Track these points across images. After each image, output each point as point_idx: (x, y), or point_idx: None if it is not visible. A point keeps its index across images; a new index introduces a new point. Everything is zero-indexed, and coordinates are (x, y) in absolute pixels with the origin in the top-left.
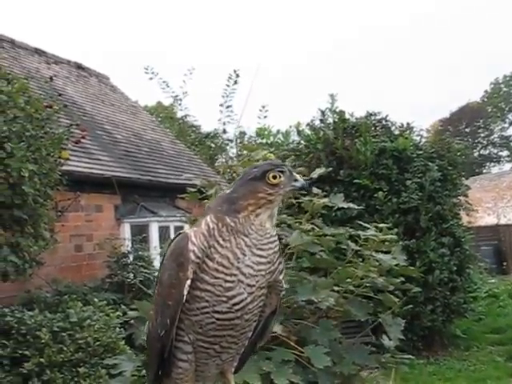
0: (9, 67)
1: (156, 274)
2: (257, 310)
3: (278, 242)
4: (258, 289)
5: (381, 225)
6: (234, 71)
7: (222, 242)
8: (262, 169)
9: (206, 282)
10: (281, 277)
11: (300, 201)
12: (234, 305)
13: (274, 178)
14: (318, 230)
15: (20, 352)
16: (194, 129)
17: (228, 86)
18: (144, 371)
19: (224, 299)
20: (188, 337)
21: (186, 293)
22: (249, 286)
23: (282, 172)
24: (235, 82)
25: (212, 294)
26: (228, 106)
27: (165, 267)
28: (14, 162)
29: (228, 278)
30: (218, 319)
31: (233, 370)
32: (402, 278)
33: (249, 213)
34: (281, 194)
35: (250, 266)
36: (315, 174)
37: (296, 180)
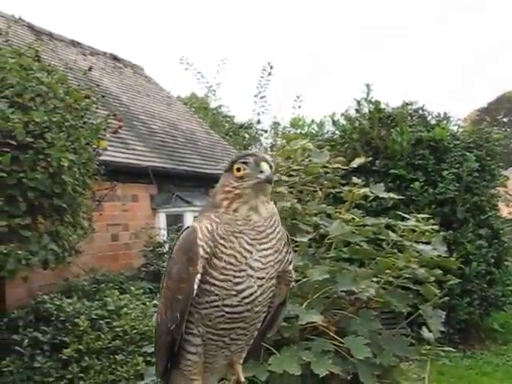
0: (48, 59)
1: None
2: (266, 301)
3: (280, 228)
4: (268, 280)
5: (420, 215)
6: (268, 63)
7: (223, 242)
8: (230, 161)
9: (215, 277)
10: (290, 267)
11: (339, 190)
12: (244, 298)
13: (238, 170)
14: (358, 220)
15: (59, 338)
16: (228, 119)
17: (262, 77)
18: None
19: (234, 293)
20: (197, 329)
21: (196, 287)
22: (259, 278)
23: (245, 163)
24: (269, 74)
25: (222, 289)
26: (262, 97)
27: (174, 261)
28: (54, 152)
29: (237, 274)
30: (227, 312)
31: (241, 361)
32: (440, 270)
33: (225, 209)
34: (246, 187)
35: (258, 260)
36: (355, 164)
37: (261, 172)
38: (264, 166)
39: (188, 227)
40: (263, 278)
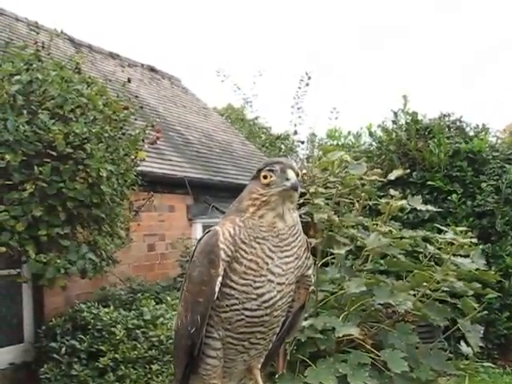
0: (87, 71)
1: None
2: (286, 306)
3: (302, 236)
4: (288, 285)
5: (459, 228)
6: (306, 73)
7: (245, 247)
8: (257, 168)
9: (235, 282)
10: (309, 272)
11: (376, 202)
12: (264, 302)
13: (265, 177)
14: (395, 232)
15: (96, 347)
16: (265, 130)
17: (300, 87)
18: None
19: (254, 297)
20: (217, 333)
21: (217, 290)
22: (278, 284)
23: (271, 171)
24: (307, 85)
25: (242, 292)
26: (299, 108)
27: (195, 264)
28: (93, 163)
29: (258, 279)
30: (247, 316)
31: (259, 366)
32: (479, 284)
33: (251, 214)
34: (273, 194)
35: (279, 267)
36: (392, 176)
37: (287, 179)
38: (290, 173)
39: (209, 231)
40: (283, 283)
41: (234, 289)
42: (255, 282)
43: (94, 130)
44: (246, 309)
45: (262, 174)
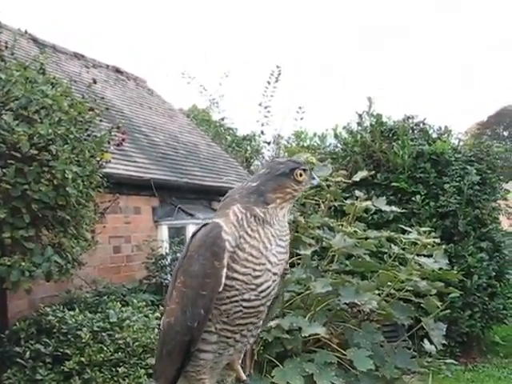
0: (52, 72)
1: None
2: (272, 296)
3: (289, 236)
4: (278, 276)
5: (422, 228)
6: (277, 67)
7: (250, 232)
8: (288, 166)
9: (237, 271)
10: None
11: (341, 203)
12: (261, 292)
13: (301, 175)
14: (361, 232)
15: (61, 350)
16: (231, 131)
17: (269, 83)
18: None
19: (253, 287)
20: (215, 326)
21: (223, 281)
22: (274, 274)
23: (305, 171)
24: (277, 80)
25: (242, 283)
26: (266, 107)
27: (193, 258)
28: (58, 164)
29: (257, 268)
30: (244, 307)
31: (240, 361)
32: (442, 283)
33: (276, 205)
34: (303, 190)
35: (275, 255)
36: (357, 178)
37: (313, 178)
38: (313, 173)
39: (205, 224)
40: (276, 273)
41: (235, 279)
42: (255, 270)
43: (59, 132)
44: (244, 299)
45: (298, 171)
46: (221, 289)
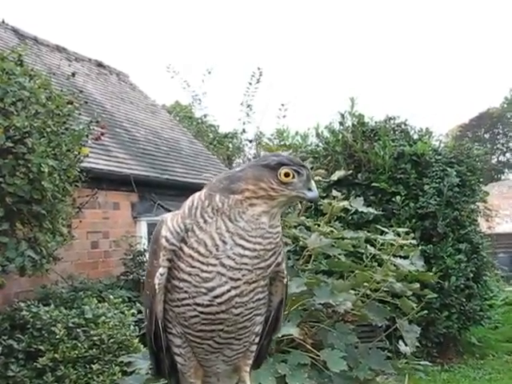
0: (31, 64)
1: None
2: (254, 303)
3: (276, 241)
4: (247, 284)
5: (400, 229)
6: (258, 68)
7: (202, 224)
8: (278, 159)
9: (183, 270)
10: (282, 267)
11: (320, 203)
12: (216, 297)
13: (287, 175)
14: (336, 232)
15: (35, 347)
16: (213, 128)
17: (250, 83)
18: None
19: (203, 291)
20: (175, 329)
21: (157, 281)
22: (232, 279)
23: (297, 173)
24: (258, 81)
25: (190, 285)
26: (248, 105)
27: (148, 256)
28: (34, 158)
29: (205, 268)
30: (201, 312)
31: (247, 368)
32: (418, 284)
33: (243, 198)
34: (285, 195)
35: (231, 258)
36: (335, 177)
37: (310, 189)
38: (313, 184)
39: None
40: (239, 279)
41: (182, 280)
42: (202, 271)
43: (35, 125)
44: (198, 304)
45: (285, 170)
46: (157, 290)
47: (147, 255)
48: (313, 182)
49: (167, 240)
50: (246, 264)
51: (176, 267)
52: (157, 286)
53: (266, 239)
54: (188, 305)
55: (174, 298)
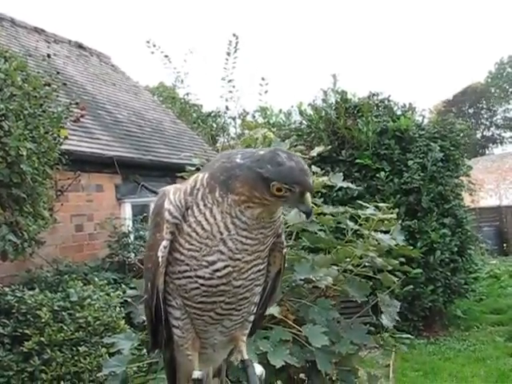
0: (7, 45)
1: None
2: (254, 275)
3: (275, 226)
4: (245, 263)
5: (381, 204)
6: (234, 35)
7: (201, 206)
8: (270, 173)
9: (182, 245)
10: (281, 238)
11: None
12: (216, 271)
13: (279, 190)
14: (316, 208)
15: (20, 331)
16: (196, 108)
17: (229, 53)
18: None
19: (205, 264)
20: (175, 301)
21: (160, 254)
22: (231, 259)
23: (290, 191)
24: (235, 50)
25: (192, 258)
26: (230, 81)
27: (149, 229)
28: (11, 141)
29: (203, 247)
30: (202, 285)
31: (244, 337)
32: (403, 259)
33: (239, 200)
34: (277, 205)
35: (234, 242)
36: (314, 152)
37: (302, 203)
38: (308, 199)
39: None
40: (237, 259)
41: (183, 254)
42: (201, 248)
43: (11, 107)
44: (199, 276)
45: (277, 186)
46: (160, 263)
47: (149, 229)
48: (307, 197)
49: (170, 213)
50: (246, 250)
51: (177, 240)
52: (160, 259)
53: (268, 228)
54: (189, 277)
55: (175, 271)
